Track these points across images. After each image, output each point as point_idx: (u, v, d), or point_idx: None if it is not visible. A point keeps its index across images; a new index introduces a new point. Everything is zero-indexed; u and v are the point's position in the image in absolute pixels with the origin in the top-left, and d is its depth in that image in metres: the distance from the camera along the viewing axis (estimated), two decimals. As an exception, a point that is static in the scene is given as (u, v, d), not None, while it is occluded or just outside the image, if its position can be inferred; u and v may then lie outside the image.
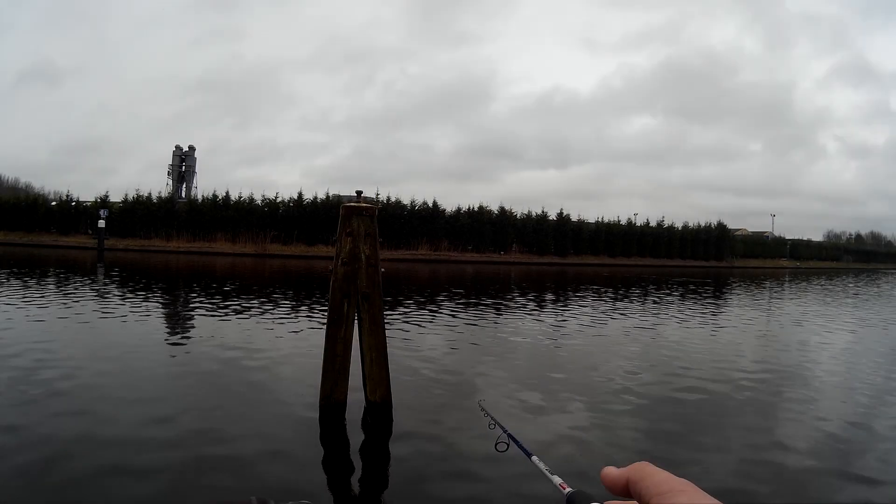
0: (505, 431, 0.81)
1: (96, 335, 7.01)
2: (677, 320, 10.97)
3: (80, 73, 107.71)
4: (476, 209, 38.80)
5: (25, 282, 12.83)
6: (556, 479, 0.58)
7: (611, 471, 0.47)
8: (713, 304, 15.36)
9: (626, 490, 0.45)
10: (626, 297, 15.94)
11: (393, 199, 36.89)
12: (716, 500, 0.40)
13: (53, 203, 37.66)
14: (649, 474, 0.43)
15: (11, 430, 3.58)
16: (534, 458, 0.67)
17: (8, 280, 13.05)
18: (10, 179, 62.74)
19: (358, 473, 3.38)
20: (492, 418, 0.90)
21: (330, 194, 36.37)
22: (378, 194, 36.17)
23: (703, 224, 48.38)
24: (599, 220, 44.07)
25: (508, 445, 0.79)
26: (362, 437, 3.96)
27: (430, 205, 37.76)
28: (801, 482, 3.40)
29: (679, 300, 15.45)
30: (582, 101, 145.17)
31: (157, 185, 42.40)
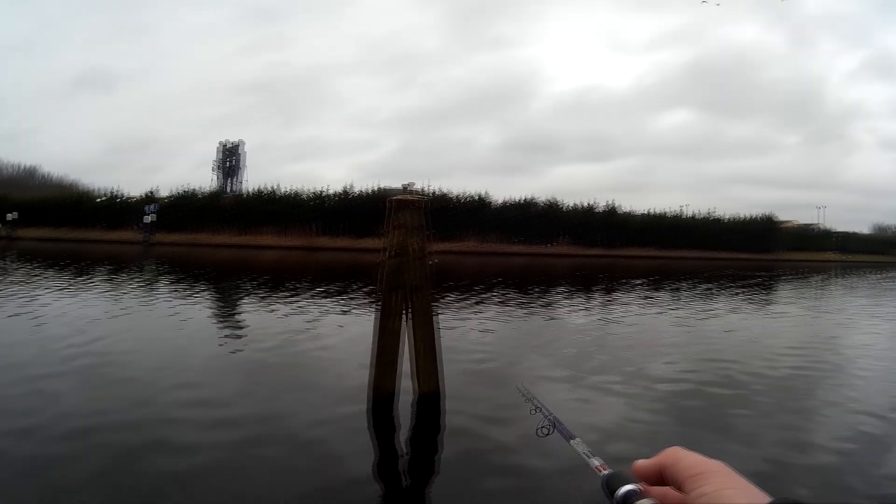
0: (547, 416, 0.76)
1: (144, 327, 7.10)
2: (728, 313, 10.47)
3: (133, 80, 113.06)
4: (523, 201, 38.35)
5: (71, 277, 13.11)
6: (594, 462, 0.58)
7: (642, 463, 0.49)
8: (767, 297, 14.63)
9: (660, 478, 0.46)
10: (677, 289, 15.39)
11: (439, 192, 36.88)
12: (748, 482, 0.40)
13: (100, 199, 38.33)
14: (682, 457, 0.44)
15: (79, 416, 3.78)
16: (573, 441, 0.66)
17: (57, 274, 13.70)
18: (57, 176, 65.98)
19: (407, 465, 3.36)
20: (532, 403, 0.84)
21: (377, 187, 36.63)
22: (426, 186, 36.27)
23: (750, 216, 46.50)
24: (648, 212, 42.87)
25: (549, 430, 0.76)
26: (412, 428, 3.95)
27: (477, 197, 37.57)
28: (831, 480, 3.22)
29: (731, 294, 14.79)
30: (618, 98, 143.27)
31: (206, 181, 43.66)
